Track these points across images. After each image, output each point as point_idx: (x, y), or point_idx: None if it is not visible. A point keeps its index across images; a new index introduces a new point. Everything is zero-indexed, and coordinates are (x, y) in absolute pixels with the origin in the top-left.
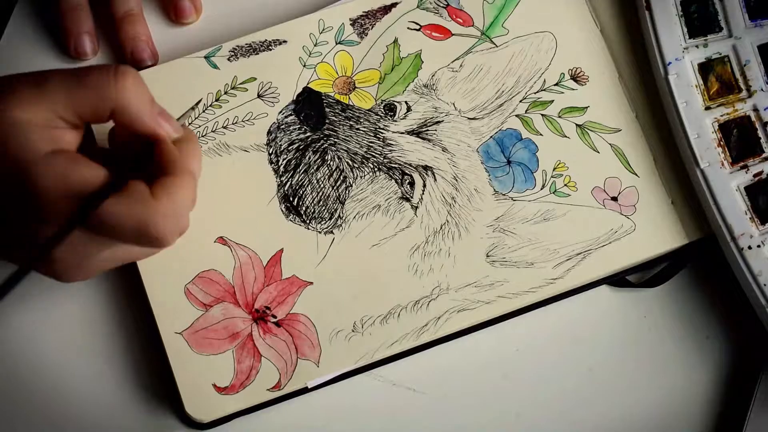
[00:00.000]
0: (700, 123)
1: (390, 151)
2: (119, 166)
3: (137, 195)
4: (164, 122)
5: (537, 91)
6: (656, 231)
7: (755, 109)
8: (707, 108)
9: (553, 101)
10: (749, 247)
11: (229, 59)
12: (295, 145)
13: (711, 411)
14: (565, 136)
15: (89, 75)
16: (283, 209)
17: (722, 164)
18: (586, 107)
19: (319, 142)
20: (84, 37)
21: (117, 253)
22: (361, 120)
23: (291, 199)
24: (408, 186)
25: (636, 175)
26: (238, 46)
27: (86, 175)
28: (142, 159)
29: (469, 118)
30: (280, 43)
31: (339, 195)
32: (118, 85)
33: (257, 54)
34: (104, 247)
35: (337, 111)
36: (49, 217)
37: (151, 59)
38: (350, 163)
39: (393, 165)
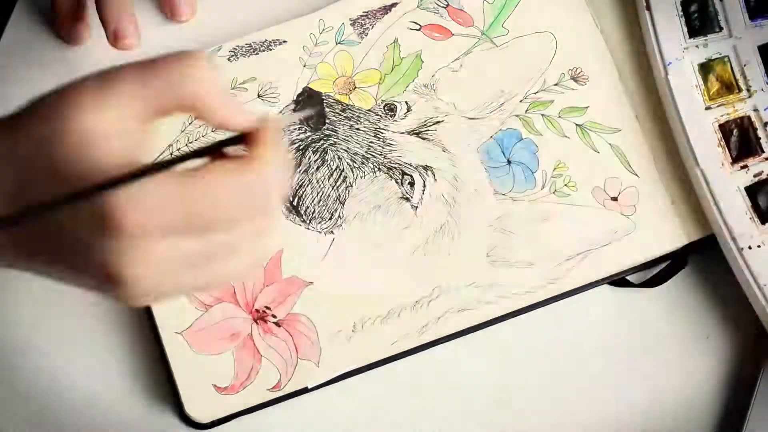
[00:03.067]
0: (700, 123)
1: (390, 151)
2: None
3: (238, 166)
4: (245, 112)
5: (537, 91)
6: (656, 231)
7: (755, 109)
8: (707, 108)
9: (553, 101)
10: (749, 247)
11: (229, 59)
12: (295, 145)
13: (711, 411)
14: (565, 136)
15: (163, 59)
16: (283, 209)
17: (722, 164)
18: (586, 107)
19: (320, 142)
20: (78, 23)
21: (199, 277)
22: (362, 120)
23: (291, 199)
24: (408, 186)
25: (636, 175)
26: (238, 46)
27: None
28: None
29: (469, 118)
30: (280, 43)
31: (339, 195)
32: (192, 74)
33: (257, 54)
34: (191, 263)
35: (337, 111)
36: (116, 230)
37: (134, 36)
38: (350, 163)
39: (393, 165)
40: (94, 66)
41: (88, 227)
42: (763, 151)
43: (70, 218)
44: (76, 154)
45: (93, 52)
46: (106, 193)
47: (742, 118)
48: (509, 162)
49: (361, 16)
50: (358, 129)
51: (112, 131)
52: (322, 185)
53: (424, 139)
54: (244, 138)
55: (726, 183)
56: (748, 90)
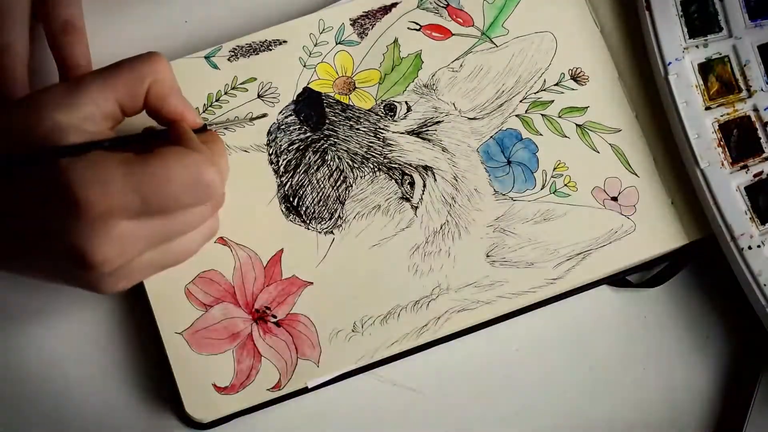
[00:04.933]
0: (700, 123)
1: (390, 151)
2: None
3: (181, 151)
4: (191, 108)
5: (537, 91)
6: (656, 231)
7: (755, 109)
8: (707, 108)
9: (553, 101)
10: (749, 247)
11: (229, 59)
12: (295, 146)
13: (711, 411)
14: (565, 136)
15: (123, 62)
16: (283, 209)
17: (722, 164)
18: (586, 107)
19: (319, 143)
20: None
21: (157, 255)
22: (361, 120)
23: (291, 199)
24: (408, 186)
25: (636, 175)
26: (238, 46)
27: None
28: (154, 137)
29: (469, 118)
30: (280, 43)
31: (339, 195)
32: (153, 62)
33: (257, 54)
34: (151, 241)
35: (337, 111)
36: (81, 213)
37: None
38: (350, 163)
39: (393, 165)
40: (93, 68)
41: (53, 211)
42: (763, 151)
43: (35, 204)
44: (45, 141)
45: (93, 53)
46: (62, 160)
47: (742, 118)
48: (509, 162)
49: (361, 16)
50: (358, 129)
51: (76, 126)
52: (322, 185)
53: (424, 139)
54: (171, 136)
55: (726, 183)
56: (748, 90)
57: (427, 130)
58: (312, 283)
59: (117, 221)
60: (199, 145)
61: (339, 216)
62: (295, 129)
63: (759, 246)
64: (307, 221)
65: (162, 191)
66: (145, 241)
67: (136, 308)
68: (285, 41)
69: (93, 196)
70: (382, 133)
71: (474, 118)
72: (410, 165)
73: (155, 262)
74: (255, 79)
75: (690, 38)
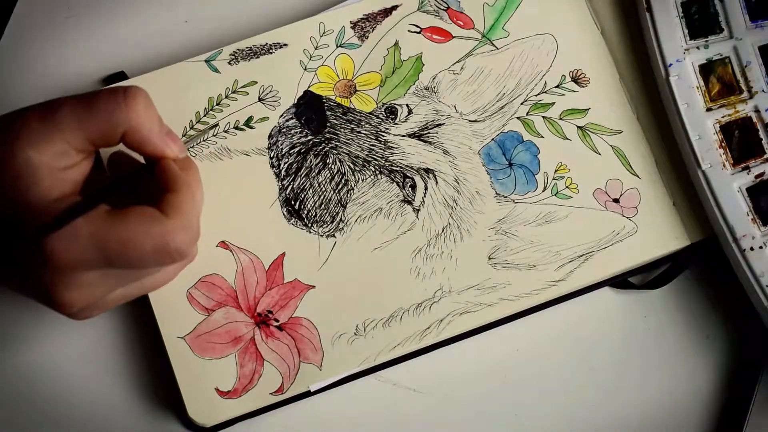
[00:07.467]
0: (702, 124)
1: (391, 154)
2: (94, 190)
3: (149, 217)
4: (171, 143)
5: (538, 94)
6: (658, 233)
7: (756, 110)
8: (708, 109)
9: (554, 103)
10: (751, 249)
11: (229, 63)
12: (296, 149)
13: (711, 411)
14: (567, 138)
15: (99, 100)
16: (285, 213)
17: (724, 165)
18: (587, 109)
19: (321, 146)
20: None
21: (129, 290)
22: (363, 123)
23: (293, 202)
24: (409, 189)
25: (637, 176)
26: (238, 49)
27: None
28: (137, 177)
29: (470, 121)
30: (281, 47)
31: (340, 198)
32: (129, 108)
33: (258, 57)
34: (119, 284)
35: (338, 114)
36: (47, 261)
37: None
38: (351, 166)
39: (394, 168)
40: (93, 68)
41: (36, 262)
42: (764, 152)
43: (24, 256)
44: (16, 185)
45: (93, 54)
46: (44, 235)
47: (743, 119)
48: (510, 164)
49: (362, 18)
50: (359, 132)
51: (50, 165)
52: (323, 189)
53: (425, 141)
54: (153, 170)
55: (727, 184)
56: (749, 91)
57: (429, 133)
58: (314, 286)
59: (81, 272)
60: (174, 207)
61: (340, 219)
62: (297, 132)
63: (761, 247)
64: (309, 225)
65: (126, 255)
66: (112, 285)
67: (138, 313)
68: (286, 44)
69: (58, 248)
70: (383, 136)
71: (475, 121)
72: (412, 168)
73: (127, 294)
74: (256, 82)
75: (691, 39)
